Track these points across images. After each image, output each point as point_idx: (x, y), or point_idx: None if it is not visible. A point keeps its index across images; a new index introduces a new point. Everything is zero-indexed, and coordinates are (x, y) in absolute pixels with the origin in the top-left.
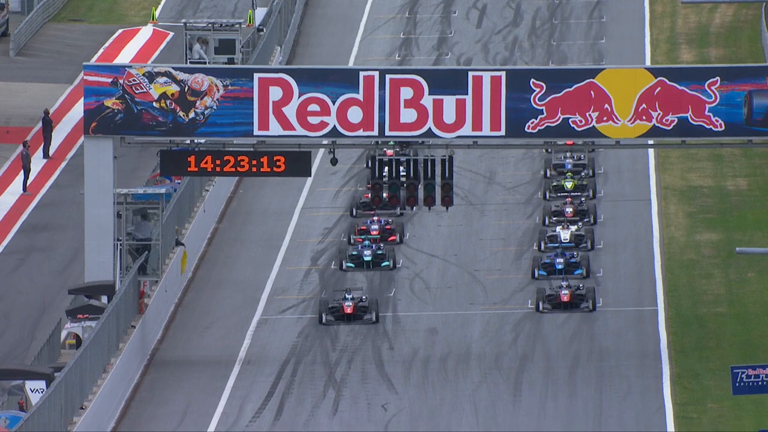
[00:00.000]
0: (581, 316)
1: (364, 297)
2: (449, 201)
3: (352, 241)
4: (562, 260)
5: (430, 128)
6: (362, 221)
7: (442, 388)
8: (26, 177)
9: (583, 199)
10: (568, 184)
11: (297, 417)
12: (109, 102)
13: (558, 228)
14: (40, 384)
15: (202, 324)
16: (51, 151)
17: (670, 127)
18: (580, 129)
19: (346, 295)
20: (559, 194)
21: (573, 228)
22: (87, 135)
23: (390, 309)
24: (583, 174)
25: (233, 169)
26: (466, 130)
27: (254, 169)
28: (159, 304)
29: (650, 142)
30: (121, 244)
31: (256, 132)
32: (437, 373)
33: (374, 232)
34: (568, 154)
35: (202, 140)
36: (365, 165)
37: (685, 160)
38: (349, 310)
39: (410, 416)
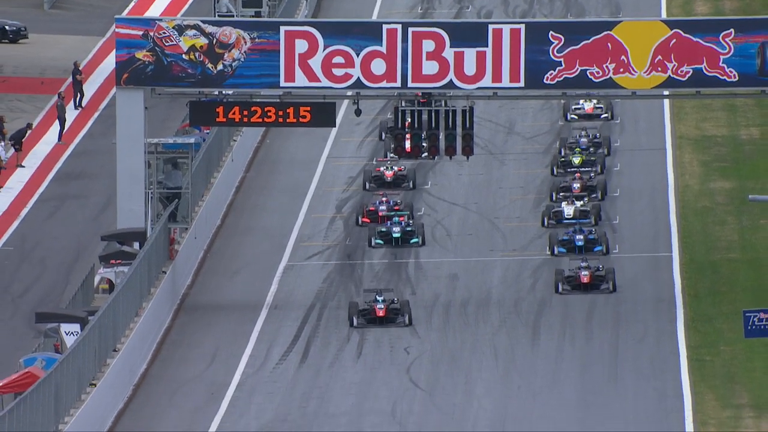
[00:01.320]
0: (598, 261)
1: (395, 299)
2: (470, 151)
3: (359, 222)
4: (581, 237)
5: (451, 80)
6: (371, 201)
7: (463, 332)
8: (62, 127)
9: (592, 174)
10: (576, 160)
11: (322, 360)
12: (140, 54)
13: (563, 204)
14: (75, 327)
15: (231, 270)
16: (84, 102)
17: (685, 78)
18: (597, 80)
19: (377, 297)
20: (567, 170)
21: (578, 203)
22: (119, 86)
23: (412, 255)
24: (592, 150)
25: (260, 120)
26: (487, 81)
27: (280, 120)
28: (189, 250)
29: (665, 92)
30: (152, 193)
31: (282, 83)
32: (458, 317)
33: (381, 213)
34: (583, 132)
35: (230, 91)
36: (379, 137)
37: (700, 110)
38: (381, 313)
39: (431, 359)
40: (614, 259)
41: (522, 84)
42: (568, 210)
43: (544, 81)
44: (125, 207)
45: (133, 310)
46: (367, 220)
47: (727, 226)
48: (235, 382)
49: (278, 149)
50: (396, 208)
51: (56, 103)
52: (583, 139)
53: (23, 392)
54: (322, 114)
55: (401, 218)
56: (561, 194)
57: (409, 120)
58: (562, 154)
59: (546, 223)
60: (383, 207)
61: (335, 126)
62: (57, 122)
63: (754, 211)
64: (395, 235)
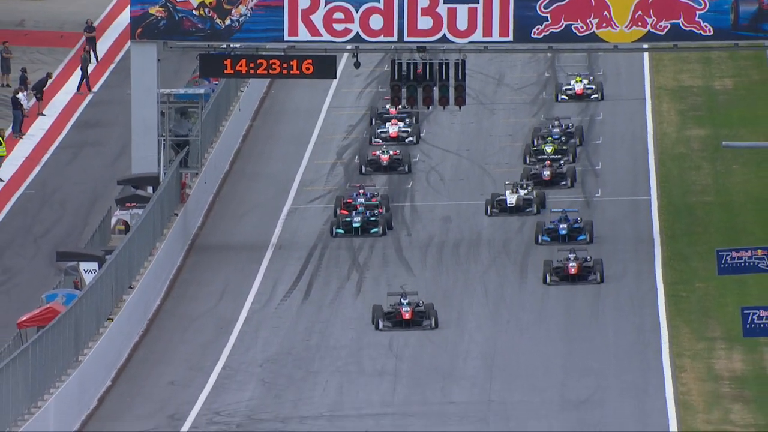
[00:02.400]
0: (581, 203)
1: (420, 301)
2: (462, 101)
3: (337, 213)
4: (565, 226)
5: (444, 34)
6: (348, 194)
7: (455, 270)
8: (84, 78)
9: (562, 162)
10: (548, 149)
11: (324, 297)
12: (153, 10)
13: (507, 192)
14: (93, 265)
15: (238, 212)
16: (98, 57)
17: (664, 33)
18: (581, 35)
19: (402, 300)
20: (539, 158)
21: (522, 192)
22: (133, 40)
23: (408, 199)
24: (564, 140)
25: (265, 72)
26: (478, 36)
27: (284, 72)
28: (199, 194)
29: (645, 46)
30: (164, 140)
31: (286, 38)
32: (450, 257)
33: (359, 206)
34: (555, 122)
35: (238, 45)
36: (369, 122)
37: (677, 62)
38: (407, 316)
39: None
40: (597, 203)
41: (511, 38)
42: (510, 199)
43: (532, 35)
44: (139, 153)
45: (147, 250)
46: (345, 212)
47: (702, 170)
48: (242, 317)
49: (282, 100)
50: (374, 199)
51: (81, 56)
52: (556, 130)
53: (45, 326)
54: (324, 66)
55: (366, 207)
56: (531, 182)
57: (405, 72)
58: (535, 144)
59: (489, 211)
60: (361, 199)
61: (336, 78)
62: (77, 73)
63: (727, 156)
64: (356, 224)
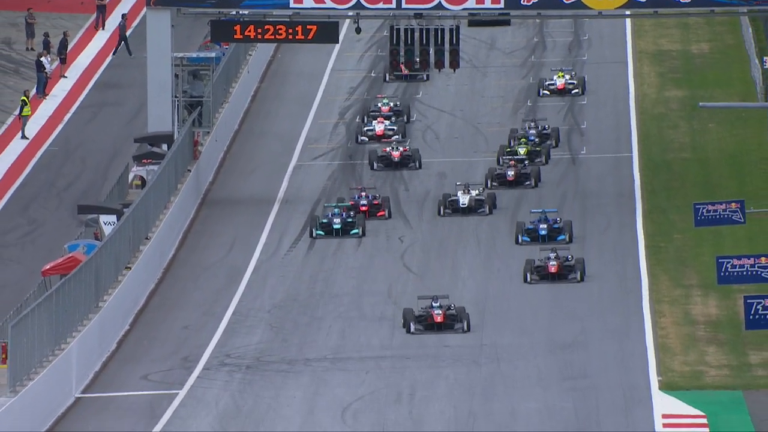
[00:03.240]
0: (567, 160)
1: (452, 305)
2: (456, 64)
3: (323, 212)
4: (545, 226)
5: (440, 2)
6: (350, 196)
7: (450, 223)
8: (123, 43)
9: (527, 162)
10: (522, 150)
11: (327, 247)
12: None
13: (459, 192)
14: (112, 218)
15: (247, 168)
16: (106, 25)
17: (645, 0)
18: (567, 2)
19: (433, 303)
20: (509, 159)
21: (473, 192)
22: (149, 7)
23: None
24: (538, 141)
25: (272, 37)
26: (471, 3)
27: (290, 37)
28: (210, 151)
29: (627, 12)
30: (178, 100)
31: (291, 5)
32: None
33: (363, 208)
34: (532, 124)
35: (246, 12)
36: (362, 119)
37: (657, 28)
38: (439, 319)
39: (423, 247)
40: (582, 159)
41: (502, 6)
42: (463, 199)
43: (522, 2)
44: (155, 113)
45: (162, 204)
46: (337, 210)
47: (680, 129)
48: (251, 266)
49: (288, 63)
50: (375, 202)
51: (120, 24)
52: (532, 131)
53: (68, 274)
54: (327, 32)
55: (343, 209)
56: (496, 182)
57: (403, 37)
58: (511, 144)
59: (442, 212)
60: (363, 202)
61: (338, 42)
62: (97, 37)
63: (703, 116)
64: (335, 226)
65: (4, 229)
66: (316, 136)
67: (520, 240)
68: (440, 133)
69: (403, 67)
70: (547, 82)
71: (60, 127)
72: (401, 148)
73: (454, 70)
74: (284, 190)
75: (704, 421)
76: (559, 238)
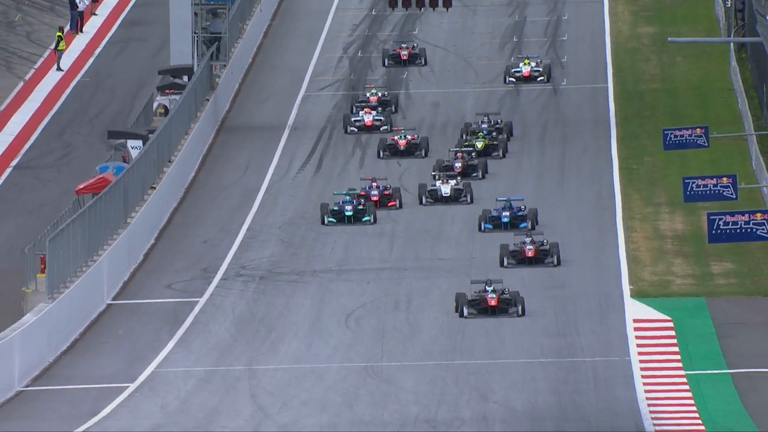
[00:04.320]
0: (549, 91)
1: (506, 289)
2: (449, 3)
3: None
4: (508, 213)
5: None
6: (362, 186)
7: (444, 147)
8: None
9: (473, 154)
10: (479, 144)
11: (332, 170)
12: None
13: (438, 182)
14: (138, 143)
15: (260, 98)
16: None
17: None
18: None
19: (487, 287)
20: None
21: (452, 182)
22: None
23: (403, 87)
24: (495, 134)
25: None
26: None
27: None
28: (227, 82)
29: None
30: (197, 36)
31: None
32: (439, 136)
33: (374, 198)
34: (485, 118)
35: None
36: (350, 110)
37: None
38: (493, 303)
39: (419, 169)
40: (563, 90)
41: None
42: (445, 189)
43: None
44: (176, 48)
45: (183, 130)
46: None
47: (651, 62)
48: (263, 187)
49: (297, 2)
50: (386, 192)
51: None
52: (484, 125)
53: (99, 193)
54: None
55: (354, 197)
56: (443, 173)
57: None
58: (465, 138)
59: (424, 201)
60: (375, 192)
61: None
62: None
63: (672, 50)
64: (347, 213)
65: (41, 153)
66: (322, 69)
67: (483, 227)
68: (434, 67)
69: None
70: (513, 70)
71: (91, 60)
72: (409, 137)
73: (447, 9)
74: (293, 118)
75: (671, 324)
76: (522, 225)
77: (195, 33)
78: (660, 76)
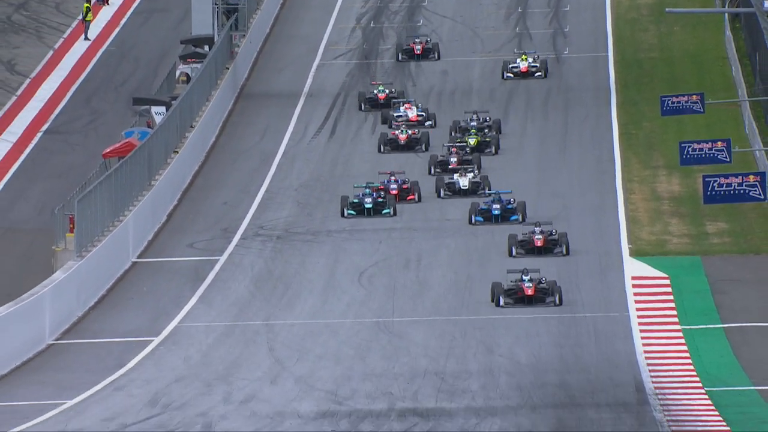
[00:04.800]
0: (552, 60)
1: (543, 278)
2: None
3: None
4: (498, 206)
5: None
6: (380, 180)
7: (451, 111)
8: None
9: (468, 150)
10: (471, 141)
11: (346, 135)
12: None
13: (456, 175)
14: (161, 109)
15: (277, 67)
16: None
17: None
18: None
19: (523, 276)
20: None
21: (470, 175)
22: None
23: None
24: (486, 132)
25: None
26: None
27: None
28: (246, 51)
29: None
30: (217, 7)
31: None
32: (447, 102)
33: (393, 191)
34: (474, 116)
35: None
36: (358, 107)
37: None
38: (530, 292)
39: (420, 163)
40: (565, 58)
41: None
42: (463, 182)
43: None
44: (198, 18)
45: (204, 97)
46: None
47: (649, 32)
48: (280, 151)
49: None
50: (405, 186)
51: None
52: (473, 123)
53: (125, 156)
54: None
55: (373, 189)
56: (439, 169)
57: None
58: (455, 136)
59: (442, 194)
60: (393, 186)
61: None
62: None
63: (670, 20)
64: (367, 206)
65: (70, 118)
66: (336, 39)
67: (473, 220)
68: (443, 36)
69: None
70: (510, 65)
71: (117, 30)
72: (409, 131)
73: None
74: (309, 85)
75: (667, 281)
76: (512, 218)
77: (215, 4)
78: (658, 45)
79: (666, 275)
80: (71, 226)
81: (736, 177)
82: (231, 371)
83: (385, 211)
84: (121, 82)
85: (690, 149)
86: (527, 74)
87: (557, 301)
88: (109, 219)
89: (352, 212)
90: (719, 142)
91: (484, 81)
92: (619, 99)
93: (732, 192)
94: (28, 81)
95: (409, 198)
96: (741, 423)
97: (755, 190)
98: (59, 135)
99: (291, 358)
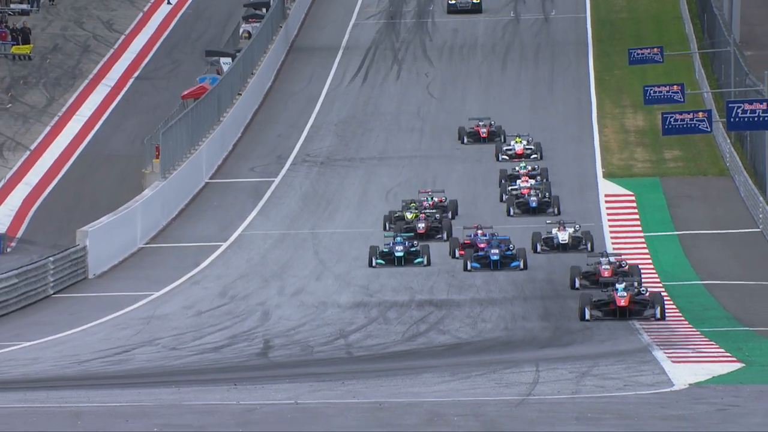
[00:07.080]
0: (542, 20)
1: (635, 282)
2: None
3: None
4: (497, 251)
5: None
6: (420, 197)
7: (460, 63)
8: None
9: (513, 152)
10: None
11: (376, 80)
12: None
13: (554, 229)
14: (228, 60)
15: (320, 25)
16: None
17: None
18: None
19: (617, 285)
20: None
21: (570, 230)
22: None
23: (430, 17)
24: (538, 179)
25: None
26: None
27: None
28: (295, 13)
29: None
30: None
31: None
32: (458, 55)
33: (420, 230)
34: (522, 164)
35: None
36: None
37: None
38: (623, 303)
39: (441, 80)
40: (552, 19)
41: None
42: (563, 236)
43: None
44: None
45: (262, 50)
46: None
47: None
48: (323, 93)
49: None
50: (440, 200)
51: None
52: (522, 171)
53: (199, 98)
54: None
55: (405, 239)
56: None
57: None
58: (464, 140)
59: (539, 249)
60: (421, 225)
61: None
62: None
63: None
64: (398, 254)
65: (155, 67)
66: (369, 2)
67: (469, 266)
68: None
69: None
70: (505, 148)
71: None
72: (436, 198)
73: None
74: (346, 41)
75: (633, 198)
76: (514, 264)
77: None
78: (626, 7)
79: (632, 193)
80: (157, 153)
81: (689, 114)
82: (284, 270)
83: (417, 261)
84: (196, 38)
85: (652, 92)
86: (522, 156)
87: (657, 315)
88: (187, 148)
89: (381, 261)
90: (675, 86)
91: (488, 38)
92: (595, 51)
93: (685, 125)
94: (122, 37)
95: (438, 237)
96: (690, 310)
97: (704, 124)
98: (147, 80)
99: (332, 260)
